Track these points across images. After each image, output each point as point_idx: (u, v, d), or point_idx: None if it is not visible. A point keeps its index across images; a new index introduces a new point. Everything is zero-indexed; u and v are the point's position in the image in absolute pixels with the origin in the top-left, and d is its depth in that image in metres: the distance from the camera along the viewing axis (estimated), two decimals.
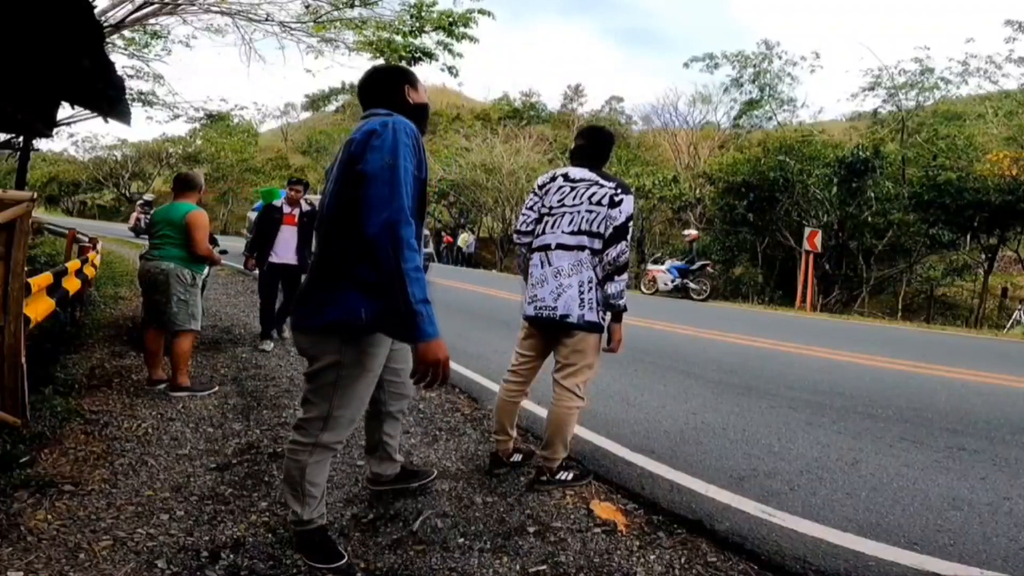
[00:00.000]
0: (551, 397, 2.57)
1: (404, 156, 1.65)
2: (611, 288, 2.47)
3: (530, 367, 2.72)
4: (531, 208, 2.66)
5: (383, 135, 1.66)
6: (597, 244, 2.47)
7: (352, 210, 1.65)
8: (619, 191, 2.47)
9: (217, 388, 3.91)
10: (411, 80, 1.96)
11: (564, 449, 2.59)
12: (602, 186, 2.49)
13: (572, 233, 2.50)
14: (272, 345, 5.30)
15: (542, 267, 2.56)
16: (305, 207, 5.53)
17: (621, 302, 2.49)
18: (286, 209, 5.45)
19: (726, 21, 78.97)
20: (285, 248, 5.36)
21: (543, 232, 2.58)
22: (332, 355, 1.77)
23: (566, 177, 2.59)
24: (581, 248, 2.48)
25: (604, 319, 2.53)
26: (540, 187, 2.66)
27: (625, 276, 2.49)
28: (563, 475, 2.61)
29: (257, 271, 5.49)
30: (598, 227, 2.46)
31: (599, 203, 2.47)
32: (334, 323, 1.73)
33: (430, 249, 15.49)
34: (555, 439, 2.54)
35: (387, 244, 1.56)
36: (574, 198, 2.52)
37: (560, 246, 2.51)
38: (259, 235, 5.43)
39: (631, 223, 2.48)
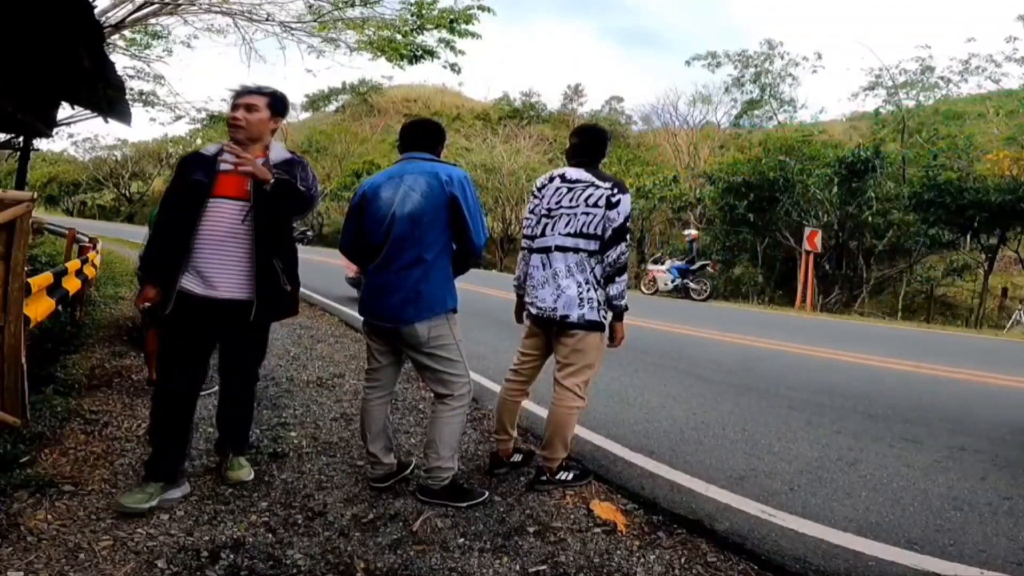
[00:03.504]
0: (551, 397, 2.58)
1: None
2: (613, 290, 2.49)
3: (532, 366, 2.74)
4: (533, 211, 2.66)
5: (469, 184, 2.37)
6: (593, 246, 2.47)
7: (446, 228, 2.33)
8: (615, 191, 2.47)
9: (217, 388, 3.90)
10: (445, 139, 2.63)
11: (564, 449, 2.59)
12: (598, 187, 2.48)
13: (569, 235, 2.50)
14: (179, 494, 2.26)
15: (543, 269, 2.56)
16: (279, 154, 2.36)
17: (622, 302, 2.52)
18: (223, 165, 2.25)
19: (725, 22, 79.01)
20: (217, 258, 2.23)
21: (543, 234, 2.59)
22: (448, 332, 2.37)
23: (563, 178, 2.58)
24: (577, 250, 2.49)
25: (605, 318, 2.53)
26: (539, 189, 2.67)
27: (625, 276, 2.50)
28: (563, 475, 2.61)
29: (148, 309, 2.35)
30: (594, 229, 2.46)
31: (595, 205, 2.47)
32: (452, 309, 2.39)
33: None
34: (555, 439, 2.54)
35: (480, 253, 2.47)
36: (571, 200, 2.52)
37: (558, 248, 2.52)
38: (164, 225, 2.30)
39: (629, 222, 2.48)
